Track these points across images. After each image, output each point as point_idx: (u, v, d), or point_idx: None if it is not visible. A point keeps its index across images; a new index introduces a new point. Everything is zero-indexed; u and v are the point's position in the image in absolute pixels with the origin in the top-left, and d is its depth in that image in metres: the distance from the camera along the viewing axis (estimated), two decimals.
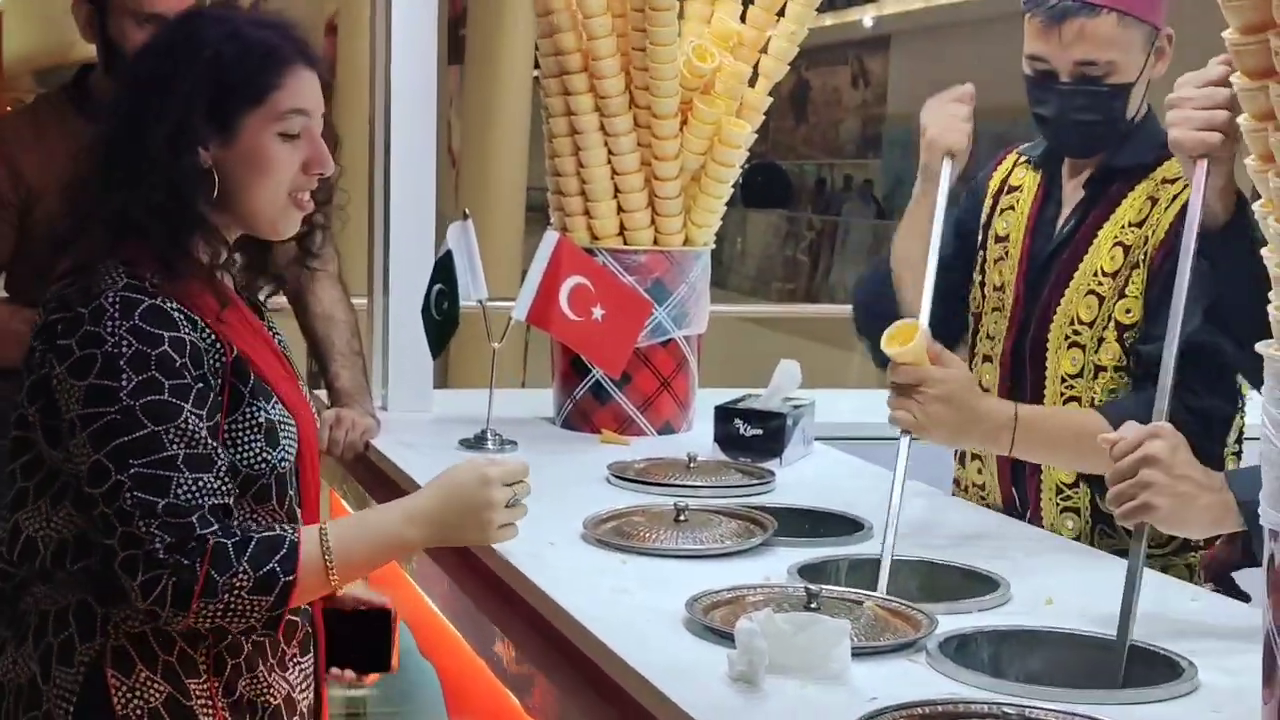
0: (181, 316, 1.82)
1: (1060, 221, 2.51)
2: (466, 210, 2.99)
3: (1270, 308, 1.43)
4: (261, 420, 1.86)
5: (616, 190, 3.11)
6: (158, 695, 1.80)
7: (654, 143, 3.07)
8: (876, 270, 2.69)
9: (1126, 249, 2.39)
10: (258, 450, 1.86)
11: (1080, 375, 2.42)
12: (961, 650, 1.83)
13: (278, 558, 1.79)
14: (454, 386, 5.20)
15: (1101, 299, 2.40)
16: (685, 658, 1.79)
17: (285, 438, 1.89)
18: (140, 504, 1.74)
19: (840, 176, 18.63)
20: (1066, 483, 2.45)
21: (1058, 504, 2.46)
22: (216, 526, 1.77)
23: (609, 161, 3.09)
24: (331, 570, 1.83)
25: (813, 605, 1.88)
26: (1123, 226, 2.41)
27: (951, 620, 1.92)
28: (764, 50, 3.13)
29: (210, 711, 1.83)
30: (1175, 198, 2.36)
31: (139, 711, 1.80)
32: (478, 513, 1.91)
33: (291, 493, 1.91)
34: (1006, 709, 1.48)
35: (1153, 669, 1.78)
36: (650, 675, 1.72)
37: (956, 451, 2.66)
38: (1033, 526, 2.49)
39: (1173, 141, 2.03)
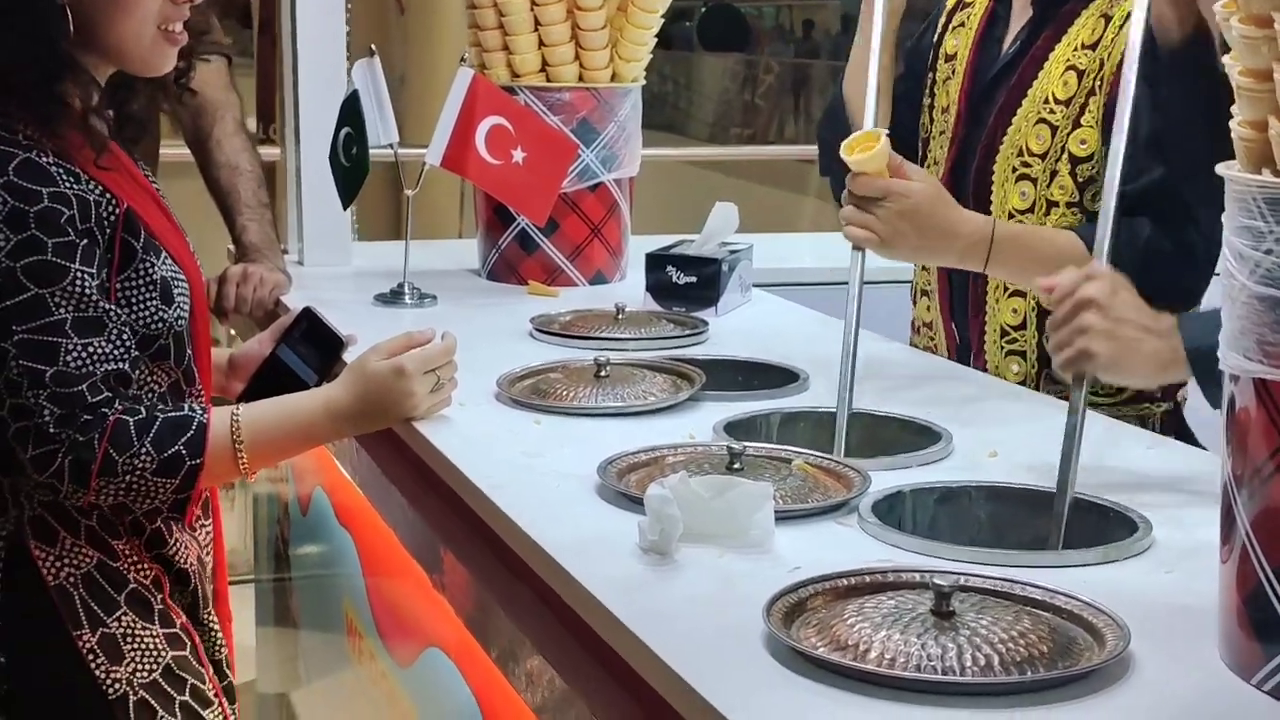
0: (61, 170, 1.69)
1: (1007, 40, 2.33)
2: (372, 46, 2.78)
3: (1233, 123, 1.26)
4: (156, 277, 1.76)
5: (537, 23, 2.89)
6: (87, 560, 1.74)
7: None
8: (833, 102, 2.51)
9: (1080, 74, 2.21)
10: (154, 309, 1.76)
11: (1030, 210, 2.25)
12: (895, 511, 1.68)
13: (184, 439, 1.71)
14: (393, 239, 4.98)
15: (1054, 128, 2.23)
16: (594, 527, 1.64)
17: (179, 294, 1.79)
18: (27, 372, 1.66)
19: (799, 20, 18.25)
20: (1012, 325, 2.30)
21: (1002, 346, 2.31)
22: (110, 396, 1.68)
23: None
24: (241, 456, 1.76)
25: (735, 466, 1.73)
26: (1075, 49, 2.23)
27: (888, 477, 1.77)
28: None
29: (141, 568, 1.77)
30: (1129, 15, 2.17)
31: (71, 579, 1.74)
32: (399, 403, 1.91)
33: (190, 350, 1.81)
34: (938, 580, 1.33)
35: (1102, 525, 1.63)
36: (553, 549, 1.57)
37: (912, 289, 2.50)
38: (979, 372, 2.34)
39: None
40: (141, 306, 1.75)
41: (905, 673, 1.25)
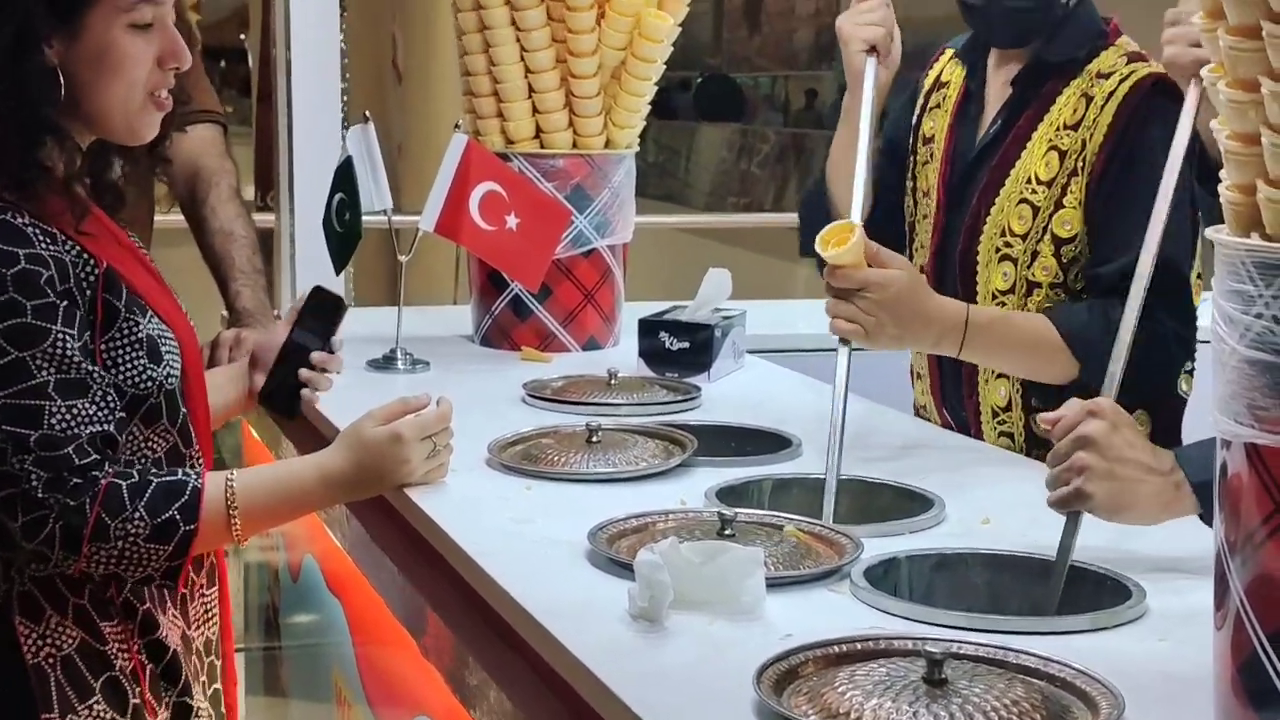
0: (38, 231, 1.67)
1: (987, 121, 2.33)
2: (367, 113, 2.79)
3: (1221, 187, 1.25)
4: (141, 335, 1.73)
5: (531, 90, 2.91)
6: (70, 641, 1.70)
7: (569, 38, 2.87)
8: (815, 185, 2.52)
9: (1063, 154, 2.22)
10: (141, 368, 1.73)
11: (1012, 291, 2.26)
12: (888, 577, 1.67)
13: (178, 505, 1.68)
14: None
15: (1036, 209, 2.23)
16: (584, 594, 1.63)
17: (168, 352, 1.76)
18: (11, 437, 1.63)
19: (798, 89, 18.38)
20: (1000, 406, 2.31)
21: (994, 427, 2.32)
22: (98, 458, 1.66)
23: (522, 59, 2.89)
24: (235, 522, 1.74)
25: (727, 532, 1.71)
26: (1057, 129, 2.24)
27: (880, 544, 1.76)
28: None
29: (125, 653, 1.73)
30: (1111, 95, 2.20)
31: (51, 660, 1.69)
32: (394, 470, 1.90)
33: (184, 410, 1.79)
34: (930, 647, 1.32)
35: (1097, 592, 1.62)
36: (541, 615, 1.56)
37: (910, 371, 2.50)
38: (972, 439, 2.33)
39: (1166, 61, 1.87)
40: (128, 366, 1.73)
41: None
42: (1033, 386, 2.26)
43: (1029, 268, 2.24)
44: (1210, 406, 1.28)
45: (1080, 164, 2.20)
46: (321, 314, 2.15)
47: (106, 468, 1.67)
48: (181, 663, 1.78)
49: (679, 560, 1.55)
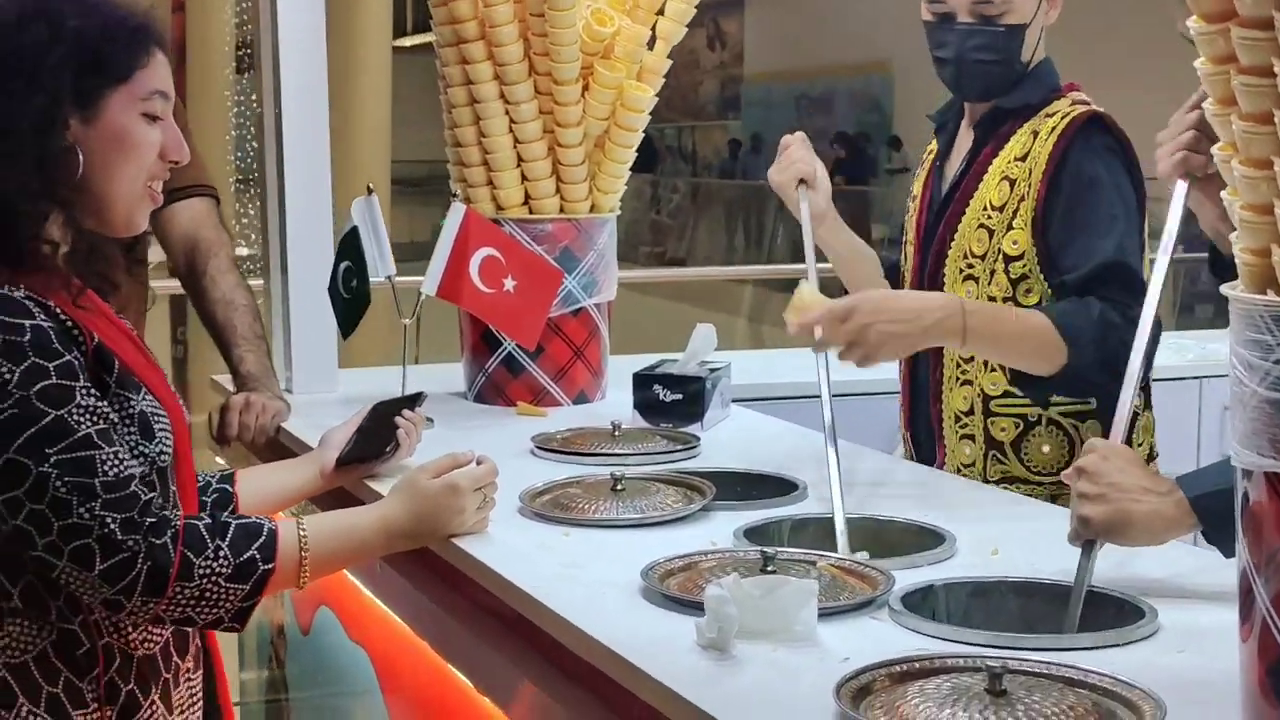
0: (33, 303, 1.69)
1: (954, 167, 2.60)
2: (370, 185, 2.93)
3: (1235, 249, 1.44)
4: (134, 411, 1.73)
5: (520, 159, 3.07)
6: None
7: (556, 110, 3.03)
8: None
9: (1013, 182, 2.48)
10: (133, 444, 1.73)
11: None
12: (923, 604, 1.83)
13: (257, 545, 1.74)
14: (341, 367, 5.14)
15: (991, 232, 2.49)
16: (648, 629, 1.77)
17: (160, 429, 1.76)
18: (75, 488, 1.64)
19: (705, 139, 18.67)
20: (963, 410, 2.54)
21: (956, 431, 2.55)
22: (155, 495, 1.69)
23: (511, 130, 3.05)
24: (304, 567, 1.80)
25: (769, 568, 1.87)
26: (1010, 160, 2.50)
27: (905, 575, 1.92)
28: (660, 12, 3.10)
29: None
30: (1054, 129, 2.47)
31: None
32: (449, 520, 2.03)
33: (173, 488, 1.80)
34: (990, 661, 1.48)
35: (1113, 613, 1.79)
36: (621, 649, 1.70)
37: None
38: (961, 478, 2.51)
39: (1159, 172, 2.06)
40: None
41: None
42: (1016, 381, 2.47)
43: (989, 285, 2.48)
44: (1230, 442, 1.47)
45: (1027, 189, 2.46)
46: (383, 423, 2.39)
47: (166, 506, 1.70)
48: None
49: (741, 594, 1.70)
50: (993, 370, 2.50)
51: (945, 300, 2.38)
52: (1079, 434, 2.47)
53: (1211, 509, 1.78)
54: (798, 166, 2.63)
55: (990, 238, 2.48)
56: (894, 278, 2.72)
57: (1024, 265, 2.45)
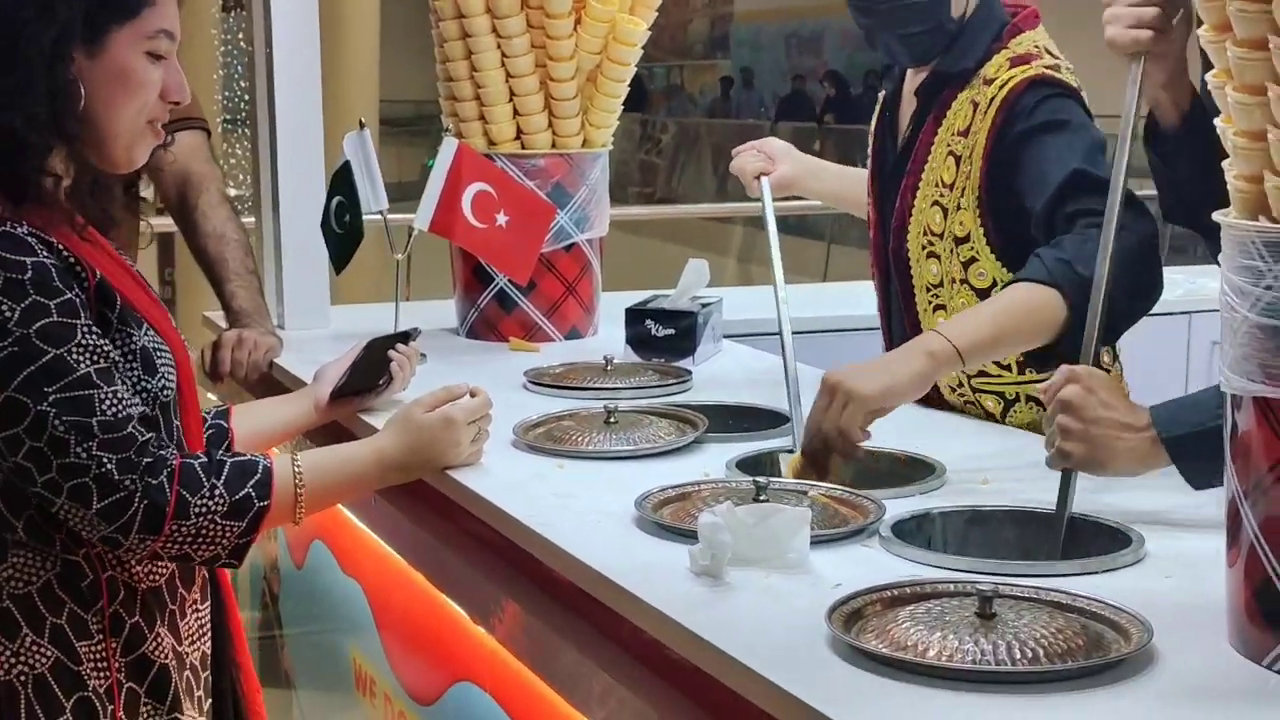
0: (36, 240, 1.68)
1: (902, 126, 2.56)
2: (362, 120, 2.92)
3: (1229, 176, 1.45)
4: (136, 347, 1.73)
5: (512, 94, 3.06)
6: (44, 660, 1.69)
7: (548, 43, 3.02)
8: None
9: (958, 159, 2.43)
10: (135, 379, 1.73)
11: (941, 285, 2.48)
12: (915, 533, 1.85)
13: (253, 482, 1.74)
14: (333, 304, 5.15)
15: (945, 210, 2.45)
16: (643, 557, 1.79)
17: (163, 364, 1.76)
18: (73, 427, 1.64)
19: (694, 79, 18.61)
20: (953, 386, 2.50)
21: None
22: (153, 435, 1.70)
23: (503, 64, 3.04)
24: (300, 503, 1.81)
25: (762, 497, 1.88)
26: (953, 134, 2.44)
27: (896, 504, 1.94)
28: None
29: (103, 674, 1.72)
30: (992, 100, 2.39)
31: (22, 678, 1.68)
32: (444, 453, 2.04)
33: (177, 422, 1.80)
34: (981, 586, 1.50)
35: (1101, 541, 1.81)
36: (616, 576, 1.71)
37: None
38: (950, 412, 2.53)
39: (1108, 40, 2.02)
40: (124, 377, 1.72)
41: (965, 665, 1.41)
42: (1032, 362, 2.33)
43: (949, 263, 2.45)
44: (1220, 369, 1.48)
45: (969, 167, 2.40)
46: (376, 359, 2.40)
47: (164, 445, 1.71)
48: (172, 678, 1.77)
49: (735, 521, 1.72)
50: None
51: (927, 340, 2.16)
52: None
53: (1183, 448, 1.80)
54: (754, 163, 2.77)
55: (945, 217, 2.44)
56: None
57: (971, 248, 2.41)
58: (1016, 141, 2.35)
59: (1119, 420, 1.85)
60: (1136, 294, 2.16)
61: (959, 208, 2.41)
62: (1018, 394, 2.46)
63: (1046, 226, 2.29)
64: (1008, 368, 2.44)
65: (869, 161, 2.64)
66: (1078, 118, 2.34)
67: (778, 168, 2.80)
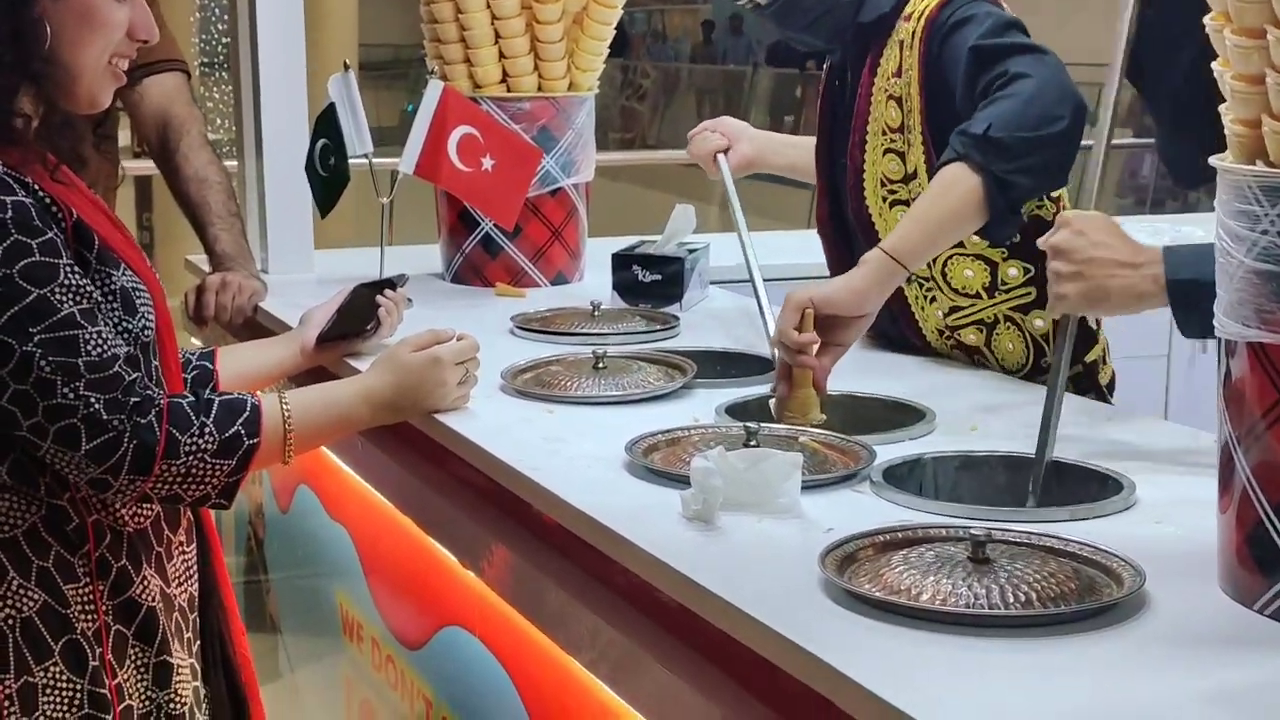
0: (12, 179, 1.65)
1: (841, 82, 2.53)
2: (346, 62, 2.89)
3: (1226, 120, 1.44)
4: (115, 287, 1.71)
5: (497, 36, 3.03)
6: (31, 603, 1.68)
7: None
8: None
9: (900, 100, 2.40)
10: (116, 320, 1.71)
11: None
12: (906, 478, 1.85)
13: (241, 420, 1.73)
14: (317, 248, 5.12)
15: (901, 154, 2.42)
16: (633, 501, 1.78)
17: (142, 304, 1.74)
18: (60, 368, 1.62)
19: (677, 23, 18.50)
20: (939, 328, 2.48)
21: (946, 344, 2.49)
22: (139, 375, 1.68)
23: (488, 6, 3.01)
24: (289, 440, 1.80)
25: (752, 443, 1.88)
26: (888, 78, 2.41)
27: (886, 450, 1.94)
28: None
29: (91, 617, 1.71)
30: (914, 33, 2.36)
31: (10, 621, 1.67)
32: (431, 393, 2.03)
33: (156, 363, 1.78)
34: (974, 530, 1.50)
35: (1092, 487, 1.82)
36: (605, 520, 1.71)
37: None
38: (940, 361, 2.52)
39: None
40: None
41: (958, 608, 1.42)
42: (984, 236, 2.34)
43: None
44: (1215, 314, 1.48)
45: (910, 104, 2.38)
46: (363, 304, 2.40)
47: (149, 385, 1.69)
48: (160, 621, 1.76)
49: (727, 466, 1.72)
50: (937, 288, 2.43)
51: (869, 258, 2.16)
52: (1026, 326, 2.40)
53: (1183, 294, 1.79)
54: (708, 144, 2.80)
55: (903, 160, 2.40)
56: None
57: (920, 184, 2.37)
58: (938, 59, 2.34)
59: (1112, 259, 1.85)
60: (1044, 122, 2.13)
61: (909, 145, 2.39)
62: (995, 316, 2.42)
63: (970, 115, 2.24)
64: (977, 295, 2.42)
65: (819, 117, 2.59)
66: (983, 10, 2.31)
67: (736, 146, 2.84)
